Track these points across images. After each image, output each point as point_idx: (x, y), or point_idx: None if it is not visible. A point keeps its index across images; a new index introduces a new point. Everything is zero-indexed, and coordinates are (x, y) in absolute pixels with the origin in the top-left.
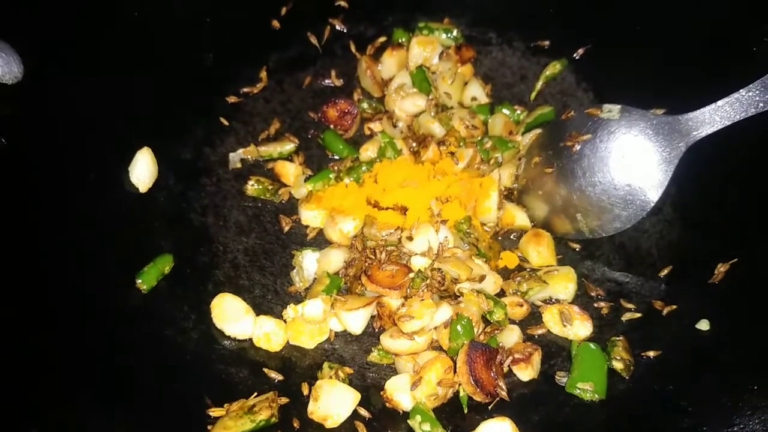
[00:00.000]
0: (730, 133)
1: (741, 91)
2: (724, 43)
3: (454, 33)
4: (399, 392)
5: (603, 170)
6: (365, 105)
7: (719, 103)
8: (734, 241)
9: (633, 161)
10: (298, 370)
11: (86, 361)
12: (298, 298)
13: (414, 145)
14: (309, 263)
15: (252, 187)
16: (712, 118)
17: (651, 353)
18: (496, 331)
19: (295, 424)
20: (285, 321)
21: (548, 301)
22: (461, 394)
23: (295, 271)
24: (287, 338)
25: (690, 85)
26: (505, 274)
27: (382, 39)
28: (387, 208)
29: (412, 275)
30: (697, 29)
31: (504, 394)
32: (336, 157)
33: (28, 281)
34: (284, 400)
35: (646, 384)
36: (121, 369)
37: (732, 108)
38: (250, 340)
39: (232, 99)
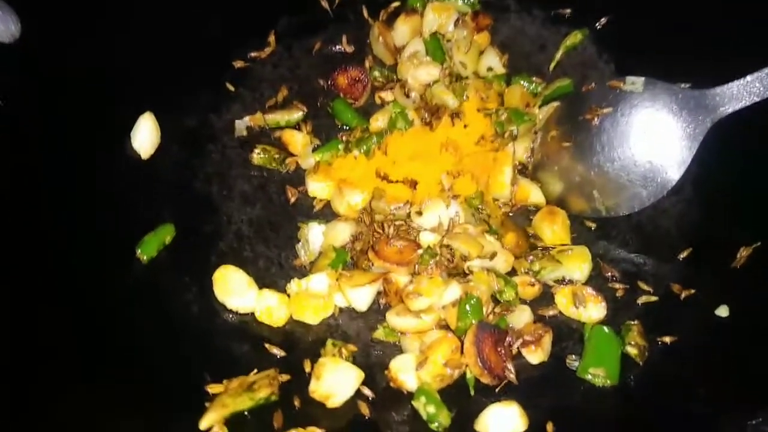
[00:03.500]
0: (758, 109)
1: None
2: (753, 15)
3: None
4: (404, 372)
5: (623, 145)
6: (377, 73)
7: (748, 78)
8: (757, 224)
9: (655, 137)
10: (301, 346)
11: (83, 334)
12: (303, 272)
13: (426, 115)
14: (315, 236)
15: (258, 155)
16: (741, 93)
17: (667, 339)
18: (505, 312)
19: (296, 403)
20: (288, 295)
21: (561, 282)
22: (468, 375)
23: (300, 244)
24: (290, 313)
25: (717, 59)
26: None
27: (396, 4)
28: (396, 182)
29: (420, 251)
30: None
31: (512, 377)
32: (345, 127)
33: (24, 250)
34: (285, 377)
35: (661, 370)
36: (119, 342)
37: (762, 84)
38: (253, 314)
39: (239, 64)
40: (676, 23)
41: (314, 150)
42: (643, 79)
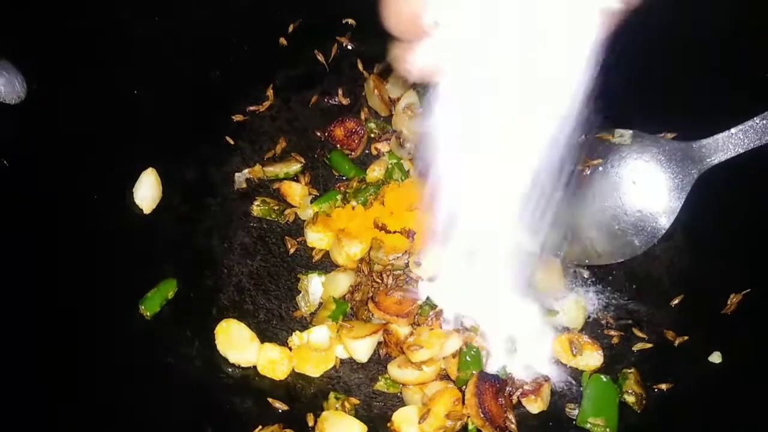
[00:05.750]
0: (743, 159)
1: (755, 119)
2: (737, 68)
3: None
4: (406, 425)
5: (613, 196)
6: (372, 125)
7: (733, 130)
8: (747, 270)
9: (644, 187)
10: (303, 399)
11: (83, 390)
12: (304, 324)
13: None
14: (314, 287)
15: (257, 207)
16: (726, 145)
17: (663, 386)
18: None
19: None
20: (290, 348)
21: (557, 329)
22: (470, 426)
23: (300, 295)
24: (292, 366)
25: (701, 110)
26: None
27: None
28: (394, 232)
29: (420, 302)
30: (710, 52)
31: (513, 427)
32: (343, 178)
33: (26, 306)
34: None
35: (658, 418)
36: (122, 398)
37: (746, 136)
38: (255, 367)
39: (238, 117)
40: (661, 76)
41: (312, 201)
42: (631, 131)
